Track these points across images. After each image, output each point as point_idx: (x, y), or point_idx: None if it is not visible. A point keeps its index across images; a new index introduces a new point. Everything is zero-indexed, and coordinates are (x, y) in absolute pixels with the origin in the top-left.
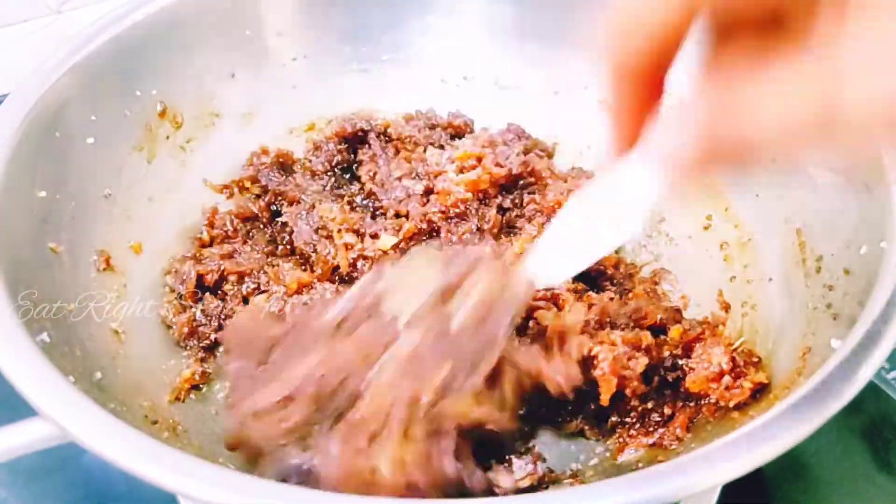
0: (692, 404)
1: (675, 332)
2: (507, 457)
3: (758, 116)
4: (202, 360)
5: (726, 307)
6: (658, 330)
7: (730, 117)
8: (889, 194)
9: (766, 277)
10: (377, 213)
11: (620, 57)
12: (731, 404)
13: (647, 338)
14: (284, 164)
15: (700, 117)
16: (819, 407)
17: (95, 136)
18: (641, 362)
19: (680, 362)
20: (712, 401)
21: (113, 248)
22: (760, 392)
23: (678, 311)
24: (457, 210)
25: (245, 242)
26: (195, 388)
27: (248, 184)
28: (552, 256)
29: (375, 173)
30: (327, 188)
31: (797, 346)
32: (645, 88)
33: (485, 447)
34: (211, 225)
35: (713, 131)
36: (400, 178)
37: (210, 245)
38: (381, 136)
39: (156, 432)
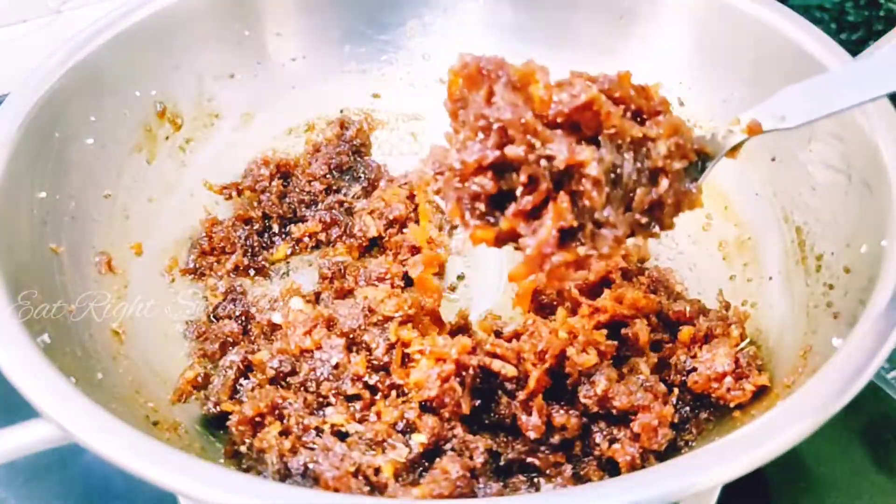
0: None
1: (685, 333)
2: (535, 479)
3: None
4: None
5: (726, 306)
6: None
7: None
8: (889, 193)
9: (765, 276)
10: None
11: None
12: (732, 405)
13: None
14: (285, 173)
15: None
16: (819, 407)
17: (95, 136)
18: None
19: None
20: (713, 400)
21: (113, 249)
22: (762, 393)
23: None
24: None
25: (245, 253)
26: (197, 388)
27: (247, 192)
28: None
29: None
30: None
31: (798, 345)
32: None
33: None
34: (209, 236)
35: None
36: None
37: (210, 253)
38: None
39: (157, 433)
